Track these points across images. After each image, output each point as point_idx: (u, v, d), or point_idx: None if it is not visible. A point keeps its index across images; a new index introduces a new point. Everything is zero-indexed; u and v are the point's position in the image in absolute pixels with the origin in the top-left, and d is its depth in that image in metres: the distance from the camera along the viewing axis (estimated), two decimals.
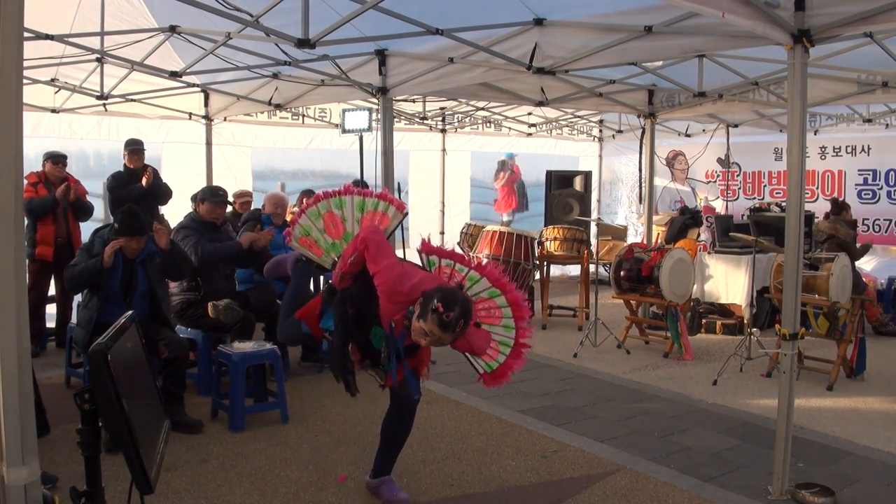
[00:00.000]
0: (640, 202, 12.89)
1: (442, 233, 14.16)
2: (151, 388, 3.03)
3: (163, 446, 2.87)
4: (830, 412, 6.94)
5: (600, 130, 15.98)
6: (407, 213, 4.92)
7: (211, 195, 7.53)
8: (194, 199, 7.84)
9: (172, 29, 7.22)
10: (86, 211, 8.79)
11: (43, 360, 8.24)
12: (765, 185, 14.00)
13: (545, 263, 11.10)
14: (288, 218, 9.08)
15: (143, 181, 8.87)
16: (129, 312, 2.94)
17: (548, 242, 10.91)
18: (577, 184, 12.67)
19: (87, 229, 8.71)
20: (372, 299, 4.26)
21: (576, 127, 15.53)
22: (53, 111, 9.75)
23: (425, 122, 13.35)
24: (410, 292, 4.16)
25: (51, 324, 8.85)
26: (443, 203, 14.31)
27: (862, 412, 6.98)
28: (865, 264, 11.41)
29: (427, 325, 3.99)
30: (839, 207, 10.37)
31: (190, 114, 10.80)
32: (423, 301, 4.05)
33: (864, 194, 12.42)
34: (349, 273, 4.36)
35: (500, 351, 4.50)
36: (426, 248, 4.66)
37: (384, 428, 4.91)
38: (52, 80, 8.91)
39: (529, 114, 13.71)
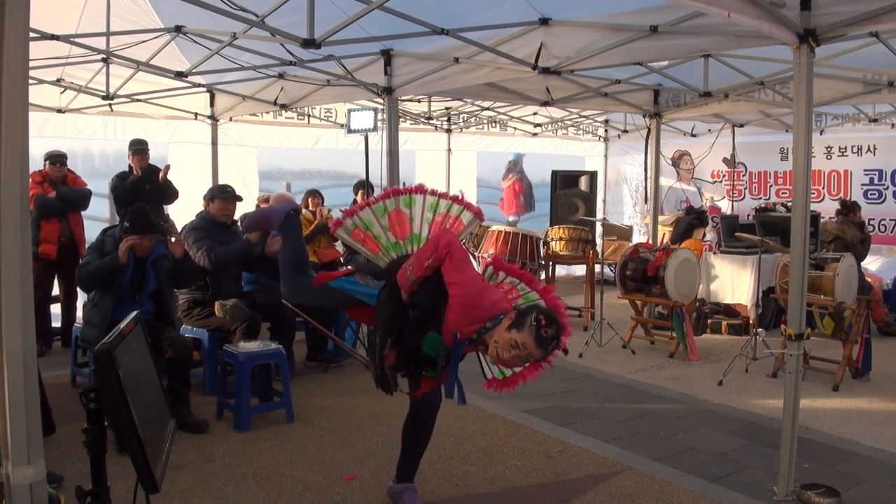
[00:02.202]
0: (646, 202, 12.89)
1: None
2: (157, 387, 3.03)
3: (168, 445, 2.88)
4: (836, 413, 6.93)
5: (606, 130, 15.97)
6: (483, 221, 4.77)
7: (220, 192, 7.54)
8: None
9: (178, 29, 7.22)
10: (83, 198, 8.75)
11: (48, 359, 8.25)
12: (771, 185, 13.98)
13: (550, 263, 11.10)
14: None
15: (135, 170, 8.89)
16: (135, 312, 2.95)
17: (553, 242, 10.91)
18: (583, 184, 12.66)
19: (90, 228, 8.76)
20: (438, 305, 4.09)
21: (581, 127, 15.52)
22: (59, 111, 9.76)
23: (431, 122, 13.35)
24: (489, 308, 4.03)
25: (56, 323, 8.87)
26: None
27: (868, 413, 6.97)
28: (871, 264, 11.40)
29: (521, 337, 3.85)
30: (847, 208, 10.35)
31: (195, 114, 10.82)
32: (518, 314, 3.93)
33: (871, 194, 12.41)
34: (422, 277, 4.11)
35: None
36: (498, 265, 4.57)
37: (405, 433, 4.82)
38: (58, 80, 8.93)
39: (535, 114, 13.70)
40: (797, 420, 5.00)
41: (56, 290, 8.85)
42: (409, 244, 4.55)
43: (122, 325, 2.68)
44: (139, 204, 6.52)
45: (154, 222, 6.35)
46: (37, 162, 8.53)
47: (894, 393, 7.55)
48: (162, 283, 6.48)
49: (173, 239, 6.59)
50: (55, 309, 8.86)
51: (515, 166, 15.61)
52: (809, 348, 7.98)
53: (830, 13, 4.64)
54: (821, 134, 12.74)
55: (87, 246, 8.40)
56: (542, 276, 11.16)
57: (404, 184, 5.39)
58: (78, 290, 8.22)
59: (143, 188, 8.88)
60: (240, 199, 7.71)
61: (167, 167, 9.21)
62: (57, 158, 8.59)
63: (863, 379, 7.98)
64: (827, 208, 11.95)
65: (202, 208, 7.59)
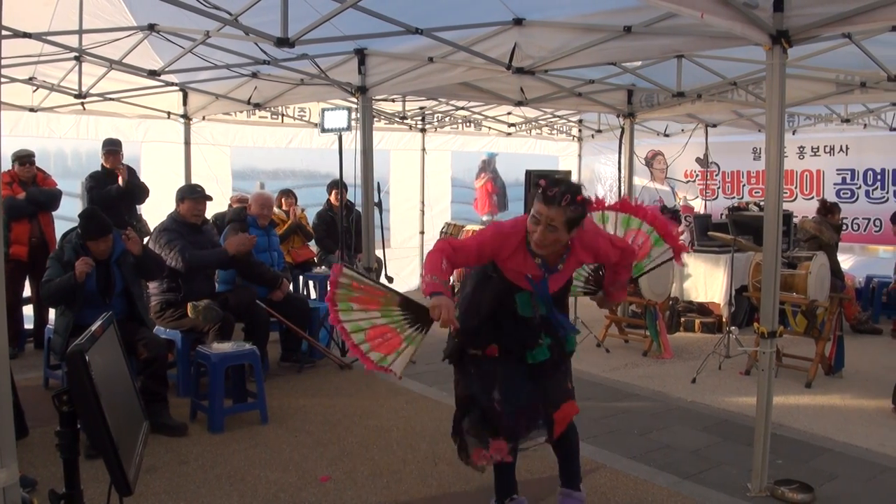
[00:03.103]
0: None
1: (422, 232, 14.15)
2: (130, 389, 3.01)
3: (142, 448, 2.86)
4: (809, 409, 6.98)
5: (580, 130, 16.00)
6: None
7: (190, 192, 7.49)
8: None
9: (151, 27, 7.17)
10: (52, 199, 8.65)
11: (21, 361, 8.18)
12: (743, 185, 14.07)
13: None
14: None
15: (120, 180, 8.82)
16: (108, 313, 2.93)
17: None
18: None
19: (63, 228, 8.68)
20: (493, 278, 4.25)
21: (555, 127, 15.53)
22: (31, 110, 9.66)
23: (405, 121, 13.32)
24: (516, 230, 4.11)
25: (28, 325, 8.78)
26: (423, 203, 14.29)
27: (840, 409, 7.03)
28: (844, 263, 11.48)
29: (535, 209, 3.93)
30: (827, 209, 10.42)
31: (168, 113, 10.74)
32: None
33: (843, 193, 12.51)
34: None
35: (652, 246, 4.64)
36: (597, 206, 4.79)
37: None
38: (30, 78, 8.84)
39: (509, 113, 13.70)
40: (770, 417, 5.04)
41: (28, 292, 8.76)
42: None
43: (95, 326, 2.66)
44: (89, 207, 6.47)
45: (106, 224, 6.27)
46: (6, 161, 8.44)
47: (867, 390, 7.62)
48: (128, 281, 6.42)
49: (128, 232, 6.51)
50: (27, 310, 8.78)
51: (488, 166, 15.60)
52: (782, 346, 8.03)
53: (803, 14, 4.67)
54: (793, 134, 12.84)
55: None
56: None
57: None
58: None
59: (125, 193, 8.81)
60: (209, 198, 7.67)
61: (124, 169, 9.03)
62: (25, 159, 8.46)
63: (835, 376, 8.05)
64: (799, 207, 12.07)
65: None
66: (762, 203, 7.77)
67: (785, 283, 7.85)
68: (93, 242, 6.16)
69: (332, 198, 11.06)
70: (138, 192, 9.17)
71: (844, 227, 11.86)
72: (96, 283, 6.23)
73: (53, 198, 8.61)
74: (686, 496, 5.01)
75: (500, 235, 4.13)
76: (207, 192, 7.68)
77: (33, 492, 4.64)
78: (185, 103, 10.71)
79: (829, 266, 8.53)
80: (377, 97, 9.69)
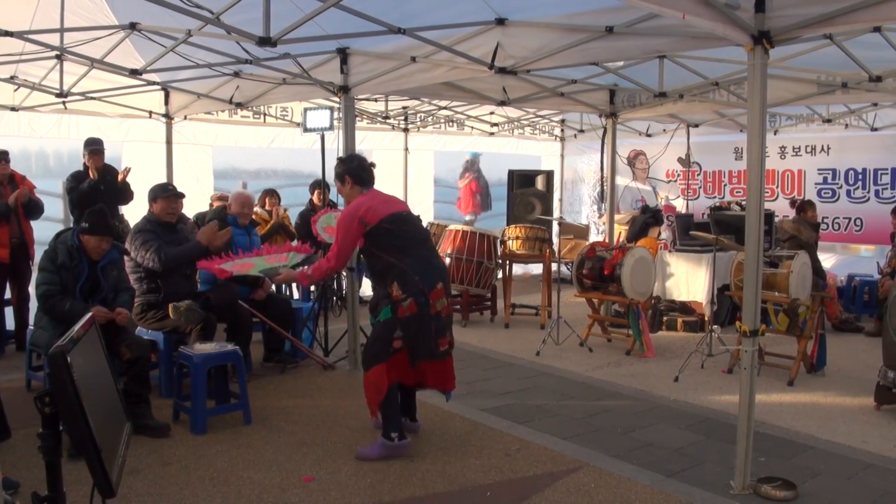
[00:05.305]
0: (602, 201, 12.97)
1: None
2: (113, 390, 3.00)
3: (124, 449, 2.84)
4: (791, 407, 7.01)
5: (562, 130, 16.04)
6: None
7: (162, 191, 7.36)
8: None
9: (133, 26, 7.14)
10: (37, 209, 8.57)
11: (2, 362, 8.15)
12: (725, 185, 14.12)
13: (508, 262, 11.12)
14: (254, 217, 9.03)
15: (91, 172, 8.76)
16: (89, 315, 2.91)
17: (510, 241, 10.92)
18: (540, 183, 12.71)
19: (43, 228, 8.63)
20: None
21: (538, 126, 15.57)
22: (13, 109, 9.60)
23: (388, 121, 13.32)
24: None
25: (10, 326, 8.72)
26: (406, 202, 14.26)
27: (822, 407, 7.07)
28: (825, 262, 11.55)
29: None
30: (799, 208, 10.47)
31: (150, 112, 10.69)
32: None
33: (824, 193, 12.59)
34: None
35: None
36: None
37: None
38: (12, 77, 8.79)
39: (492, 113, 13.72)
40: (753, 415, 5.06)
41: (7, 294, 8.68)
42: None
43: (77, 326, 2.64)
44: (99, 205, 6.45)
45: (112, 225, 6.31)
46: None
47: (848, 387, 7.67)
48: (108, 288, 6.40)
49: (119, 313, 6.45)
50: (8, 312, 8.71)
51: (472, 165, 15.62)
52: (764, 344, 8.08)
53: (785, 15, 4.69)
54: (775, 134, 12.91)
55: (35, 246, 8.29)
56: (500, 274, 11.20)
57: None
58: (31, 292, 8.11)
59: (99, 189, 8.76)
60: (182, 196, 7.61)
61: (127, 169, 9.08)
62: (0, 157, 8.36)
63: (817, 374, 8.09)
64: (781, 207, 12.14)
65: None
66: (744, 202, 7.81)
67: (767, 282, 7.88)
68: (94, 238, 6.15)
69: (315, 197, 11.05)
70: (123, 194, 9.12)
71: (825, 226, 11.94)
72: (82, 284, 6.21)
73: (37, 209, 8.54)
74: (669, 494, 5.03)
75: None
76: (189, 193, 7.64)
77: (16, 494, 4.61)
78: (166, 102, 10.67)
79: (811, 265, 8.57)
80: (360, 97, 9.69)
